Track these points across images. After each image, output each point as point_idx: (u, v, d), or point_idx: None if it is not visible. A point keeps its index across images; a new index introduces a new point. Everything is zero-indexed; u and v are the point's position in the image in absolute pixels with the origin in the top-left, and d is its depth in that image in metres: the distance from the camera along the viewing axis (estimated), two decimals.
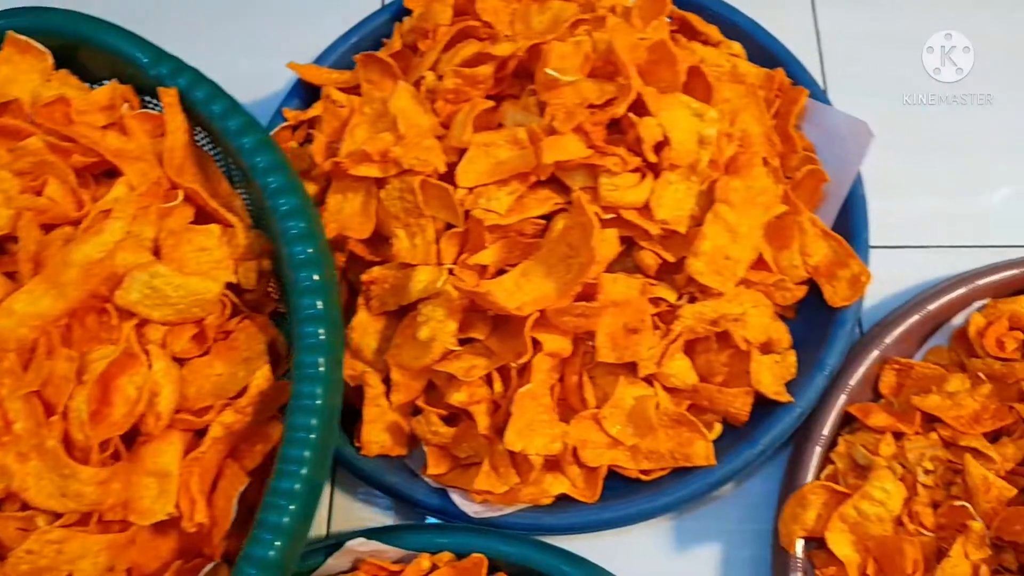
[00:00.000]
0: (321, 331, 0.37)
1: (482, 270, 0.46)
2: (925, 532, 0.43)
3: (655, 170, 0.47)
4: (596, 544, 0.48)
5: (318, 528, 0.50)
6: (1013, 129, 0.61)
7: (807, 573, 0.44)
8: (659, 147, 0.46)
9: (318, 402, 0.36)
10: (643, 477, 0.47)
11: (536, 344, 0.45)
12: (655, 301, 0.48)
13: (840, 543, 0.44)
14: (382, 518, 0.50)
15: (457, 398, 0.45)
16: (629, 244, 0.49)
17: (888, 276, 0.55)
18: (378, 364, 0.48)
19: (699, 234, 0.46)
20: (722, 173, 0.49)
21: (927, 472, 0.45)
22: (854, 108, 0.61)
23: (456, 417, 0.47)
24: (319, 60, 0.59)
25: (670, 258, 0.47)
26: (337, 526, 0.50)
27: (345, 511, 0.50)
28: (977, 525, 0.42)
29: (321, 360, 0.37)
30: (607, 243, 0.46)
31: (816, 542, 0.45)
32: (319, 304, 0.38)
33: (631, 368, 0.47)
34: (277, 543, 0.35)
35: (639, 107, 0.47)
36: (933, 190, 0.59)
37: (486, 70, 0.47)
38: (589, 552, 0.48)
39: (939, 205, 0.58)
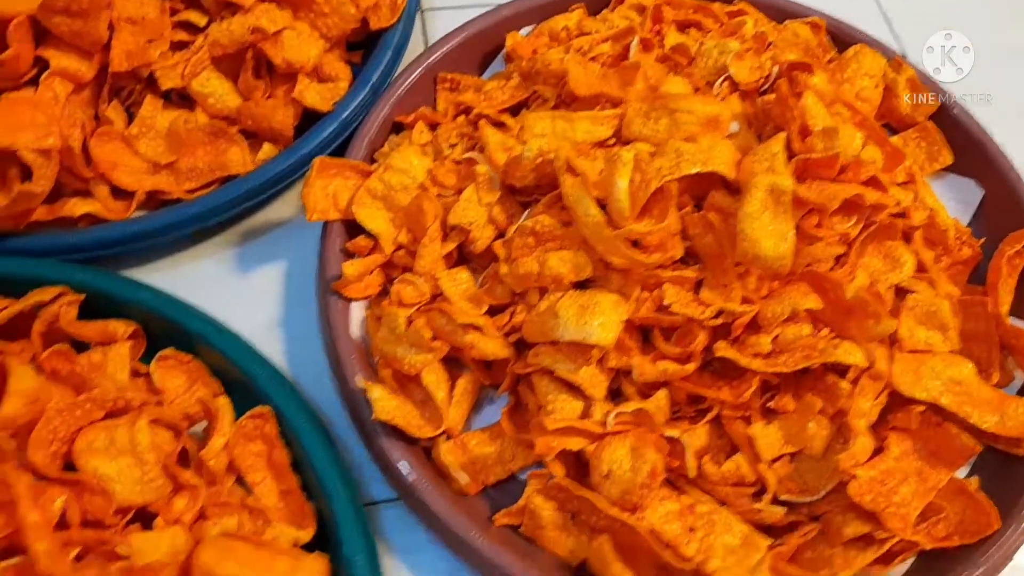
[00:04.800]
0: None
1: None
2: (447, 192, 0.45)
3: None
4: (159, 276, 0.46)
5: None
6: None
7: (345, 254, 0.45)
8: None
9: None
10: (187, 196, 0.46)
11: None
12: (186, 27, 0.48)
13: (370, 217, 0.44)
14: None
15: None
16: None
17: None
18: None
19: None
20: None
21: (451, 145, 0.47)
22: None
23: None
24: None
25: None
26: None
27: None
28: (483, 168, 0.44)
29: None
30: None
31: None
32: None
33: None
34: None
35: None
36: None
37: None
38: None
39: None
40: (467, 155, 0.44)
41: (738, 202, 0.39)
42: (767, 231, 0.38)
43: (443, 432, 0.40)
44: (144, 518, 0.36)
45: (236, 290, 0.47)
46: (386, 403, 0.39)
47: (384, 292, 0.45)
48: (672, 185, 0.39)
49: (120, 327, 0.40)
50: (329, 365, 0.44)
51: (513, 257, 0.41)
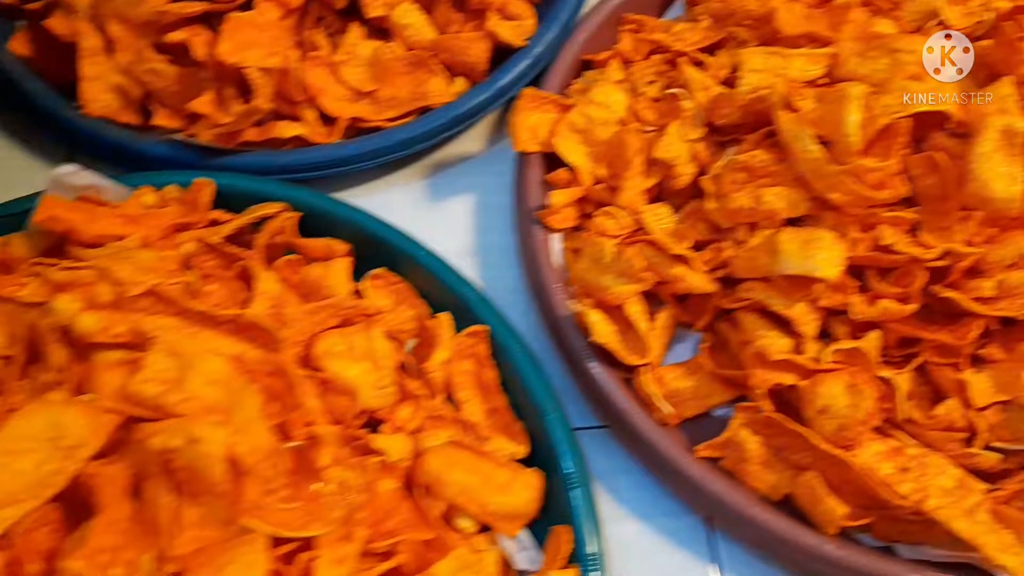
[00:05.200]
0: None
1: None
2: (647, 128, 0.45)
3: None
4: (354, 200, 0.47)
5: None
6: None
7: (544, 185, 0.45)
8: None
9: None
10: (387, 124, 0.47)
11: None
12: None
13: (570, 150, 0.45)
14: None
15: (174, 36, 0.44)
16: None
17: None
18: (96, 18, 0.45)
19: None
20: None
21: (649, 83, 0.47)
22: None
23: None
24: None
25: None
26: None
27: None
28: (688, 104, 0.44)
29: None
30: None
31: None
32: None
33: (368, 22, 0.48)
34: None
35: None
36: None
37: None
38: None
39: None
40: (671, 91, 0.44)
41: (964, 143, 0.39)
42: (998, 172, 0.37)
43: (647, 362, 0.41)
44: (368, 425, 0.38)
45: (426, 219, 0.48)
46: (603, 327, 0.39)
47: (578, 227, 0.45)
48: (903, 123, 0.38)
49: (338, 244, 0.42)
50: (530, 292, 0.44)
51: (723, 192, 0.41)
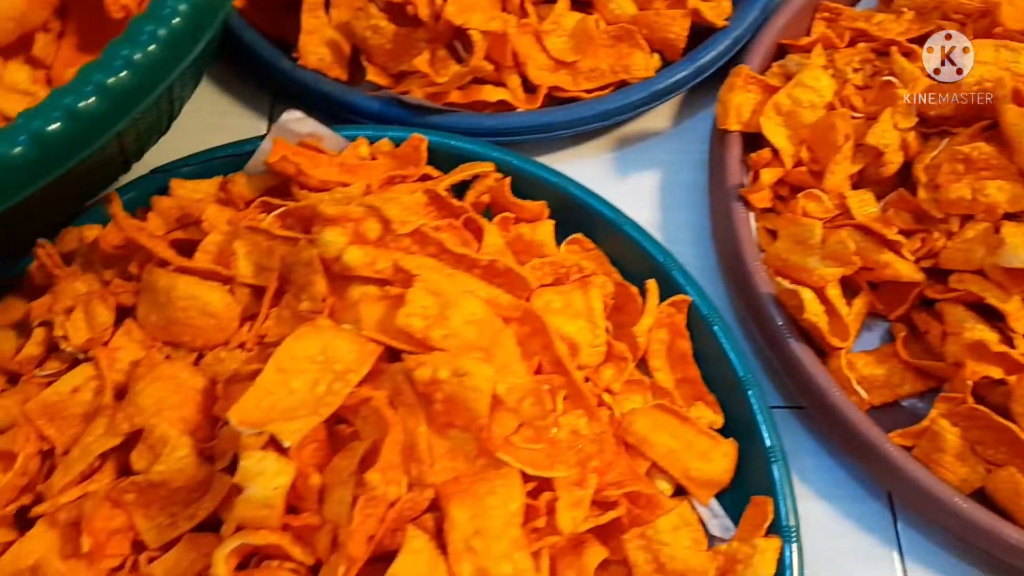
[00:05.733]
0: None
1: None
2: (855, 114, 0.45)
3: None
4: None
5: None
6: None
7: (744, 163, 0.46)
8: None
9: None
10: (584, 95, 0.48)
11: None
12: None
13: (774, 133, 0.45)
14: None
15: None
16: None
17: None
18: None
19: None
20: None
21: (856, 71, 0.47)
22: None
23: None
24: None
25: None
26: None
27: None
28: (903, 92, 0.43)
29: None
30: None
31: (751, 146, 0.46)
32: None
33: None
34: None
35: None
36: None
37: None
38: None
39: None
40: (885, 79, 0.44)
41: None
42: None
43: (845, 346, 0.41)
44: None
45: (613, 191, 0.47)
46: (815, 306, 0.39)
47: (770, 209, 0.45)
48: None
49: (545, 207, 0.43)
50: (720, 269, 0.45)
51: (937, 183, 0.41)
